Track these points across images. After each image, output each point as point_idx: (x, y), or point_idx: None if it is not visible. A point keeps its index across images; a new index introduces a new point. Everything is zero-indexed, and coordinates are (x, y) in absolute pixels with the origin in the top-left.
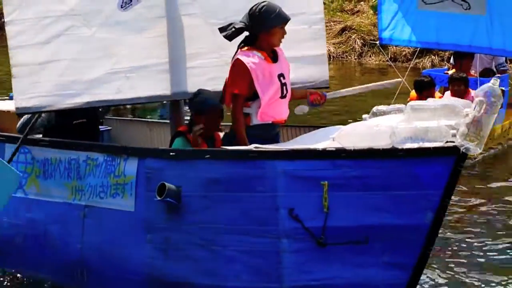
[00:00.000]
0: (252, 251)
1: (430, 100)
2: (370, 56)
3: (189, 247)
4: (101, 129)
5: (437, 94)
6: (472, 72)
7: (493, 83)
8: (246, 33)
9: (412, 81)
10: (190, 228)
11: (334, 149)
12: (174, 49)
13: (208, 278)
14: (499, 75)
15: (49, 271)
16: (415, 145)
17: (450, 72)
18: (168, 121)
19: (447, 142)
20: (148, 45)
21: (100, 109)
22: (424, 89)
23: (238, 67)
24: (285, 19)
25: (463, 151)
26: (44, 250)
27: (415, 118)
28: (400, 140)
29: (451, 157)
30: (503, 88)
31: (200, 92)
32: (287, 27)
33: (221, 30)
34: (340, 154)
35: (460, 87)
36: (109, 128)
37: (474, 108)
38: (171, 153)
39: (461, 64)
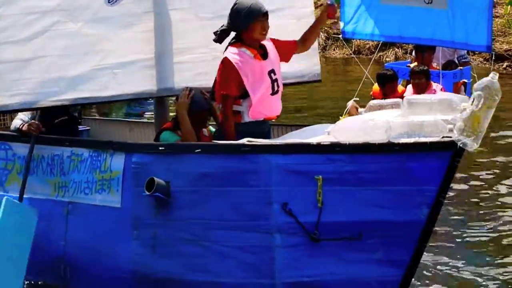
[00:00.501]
0: (244, 246)
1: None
2: (334, 49)
3: (179, 243)
4: (80, 129)
5: (400, 87)
6: (434, 64)
7: (492, 77)
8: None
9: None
10: (180, 223)
11: (328, 143)
12: (161, 44)
13: (199, 274)
14: (461, 67)
15: (32, 269)
16: (411, 140)
17: (412, 65)
18: (147, 120)
19: (443, 137)
20: (136, 40)
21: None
22: (387, 82)
23: (226, 67)
24: (259, 13)
25: (460, 146)
26: None
27: (411, 113)
28: (396, 135)
29: (447, 152)
30: (465, 80)
31: (189, 89)
32: (276, 22)
33: (215, 33)
34: (334, 148)
35: (421, 80)
36: (87, 128)
37: (472, 103)
38: (160, 148)
39: (422, 57)
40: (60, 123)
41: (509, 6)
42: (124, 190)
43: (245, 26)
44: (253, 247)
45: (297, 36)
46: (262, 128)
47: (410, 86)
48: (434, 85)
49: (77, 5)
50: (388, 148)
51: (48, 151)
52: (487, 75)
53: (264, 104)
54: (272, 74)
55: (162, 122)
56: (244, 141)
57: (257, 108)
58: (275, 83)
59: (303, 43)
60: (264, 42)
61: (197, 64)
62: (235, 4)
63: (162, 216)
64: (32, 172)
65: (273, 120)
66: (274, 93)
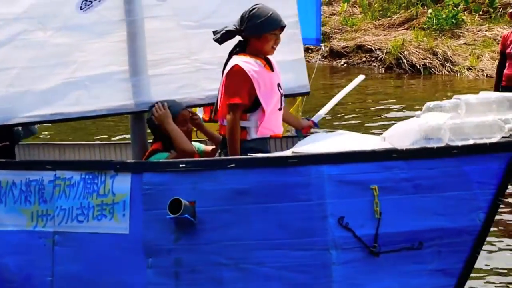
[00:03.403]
0: (294, 266)
1: (484, 93)
2: None
3: (210, 268)
4: None
5: None
6: None
7: None
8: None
9: None
10: (210, 247)
11: (384, 149)
12: (138, 55)
13: None
14: None
15: None
16: (470, 142)
17: None
18: (79, 142)
19: (503, 137)
20: (111, 50)
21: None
22: None
23: (237, 75)
24: (277, 26)
25: None
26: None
27: (469, 114)
28: (454, 138)
29: (507, 153)
30: None
31: (156, 103)
32: None
33: (214, 32)
34: (391, 155)
35: None
36: None
37: None
38: (180, 165)
39: None
40: (2, 148)
41: (345, 4)
42: (133, 215)
43: (260, 33)
44: (306, 266)
45: (283, 47)
46: (266, 147)
47: None
48: None
49: (46, 12)
50: (446, 152)
51: (21, 177)
52: (325, 71)
53: (272, 120)
54: (280, 88)
55: (140, 141)
56: (289, 152)
57: (266, 124)
58: (282, 98)
59: None
60: (268, 56)
61: (179, 76)
62: (254, 8)
63: (186, 241)
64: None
65: None
66: (280, 108)
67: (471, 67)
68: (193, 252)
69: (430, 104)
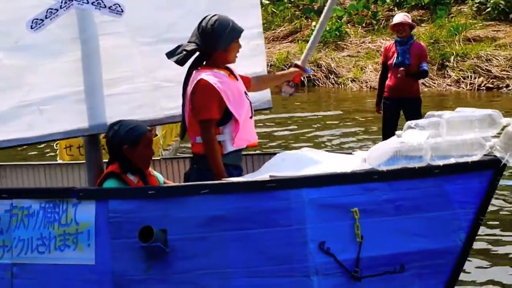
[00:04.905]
0: None
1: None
2: None
3: None
4: None
5: None
6: None
7: None
8: None
9: None
10: (184, 276)
11: (365, 171)
12: (92, 75)
13: None
14: None
15: None
16: (451, 161)
17: None
18: (56, 162)
19: (484, 155)
20: (65, 71)
21: None
22: None
23: (204, 89)
24: (239, 33)
25: (505, 163)
26: None
27: (449, 131)
28: (435, 157)
29: (489, 171)
30: None
31: (120, 122)
32: None
33: (169, 54)
34: (372, 176)
35: None
36: None
37: None
38: (149, 192)
39: None
40: None
41: None
42: (99, 244)
43: (225, 45)
44: None
45: (245, 59)
46: (239, 161)
47: None
48: None
49: None
50: (427, 172)
51: None
52: None
53: (247, 129)
54: (247, 96)
55: (95, 164)
56: (266, 176)
57: (241, 135)
58: (251, 106)
59: (257, 85)
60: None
61: (136, 95)
62: (213, 21)
63: (158, 270)
64: None
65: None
66: (251, 116)
67: (355, 79)
68: (166, 282)
69: (411, 123)
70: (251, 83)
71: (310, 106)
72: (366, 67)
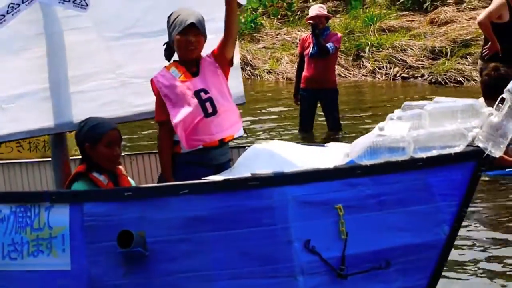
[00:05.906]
0: None
1: (447, 100)
2: None
3: None
4: None
5: None
6: None
7: None
8: None
9: None
10: (165, 279)
11: (348, 166)
12: (57, 72)
13: None
14: None
15: None
16: (434, 153)
17: None
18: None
19: (467, 146)
20: (29, 68)
21: None
22: None
23: (153, 91)
24: (179, 26)
25: (488, 154)
26: None
27: (432, 123)
28: (417, 149)
29: (471, 162)
30: None
31: (88, 119)
32: None
33: None
34: (355, 171)
35: None
36: None
37: (502, 108)
38: (126, 193)
39: None
40: None
41: None
42: (74, 249)
43: (171, 39)
44: None
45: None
46: (209, 157)
47: None
48: None
49: None
50: (411, 165)
51: None
52: None
53: (199, 130)
54: (203, 93)
55: (61, 164)
56: (248, 174)
57: (191, 135)
58: (208, 103)
59: (225, 32)
60: (204, 58)
61: (103, 92)
62: (170, 15)
63: (136, 275)
64: None
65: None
66: (209, 114)
67: (271, 70)
68: (146, 286)
69: (393, 115)
70: (223, 38)
71: None
72: (282, 59)
